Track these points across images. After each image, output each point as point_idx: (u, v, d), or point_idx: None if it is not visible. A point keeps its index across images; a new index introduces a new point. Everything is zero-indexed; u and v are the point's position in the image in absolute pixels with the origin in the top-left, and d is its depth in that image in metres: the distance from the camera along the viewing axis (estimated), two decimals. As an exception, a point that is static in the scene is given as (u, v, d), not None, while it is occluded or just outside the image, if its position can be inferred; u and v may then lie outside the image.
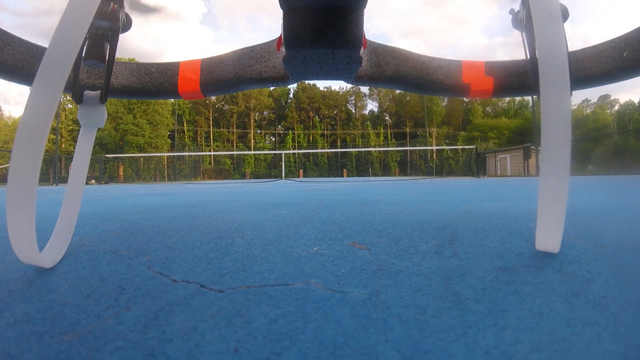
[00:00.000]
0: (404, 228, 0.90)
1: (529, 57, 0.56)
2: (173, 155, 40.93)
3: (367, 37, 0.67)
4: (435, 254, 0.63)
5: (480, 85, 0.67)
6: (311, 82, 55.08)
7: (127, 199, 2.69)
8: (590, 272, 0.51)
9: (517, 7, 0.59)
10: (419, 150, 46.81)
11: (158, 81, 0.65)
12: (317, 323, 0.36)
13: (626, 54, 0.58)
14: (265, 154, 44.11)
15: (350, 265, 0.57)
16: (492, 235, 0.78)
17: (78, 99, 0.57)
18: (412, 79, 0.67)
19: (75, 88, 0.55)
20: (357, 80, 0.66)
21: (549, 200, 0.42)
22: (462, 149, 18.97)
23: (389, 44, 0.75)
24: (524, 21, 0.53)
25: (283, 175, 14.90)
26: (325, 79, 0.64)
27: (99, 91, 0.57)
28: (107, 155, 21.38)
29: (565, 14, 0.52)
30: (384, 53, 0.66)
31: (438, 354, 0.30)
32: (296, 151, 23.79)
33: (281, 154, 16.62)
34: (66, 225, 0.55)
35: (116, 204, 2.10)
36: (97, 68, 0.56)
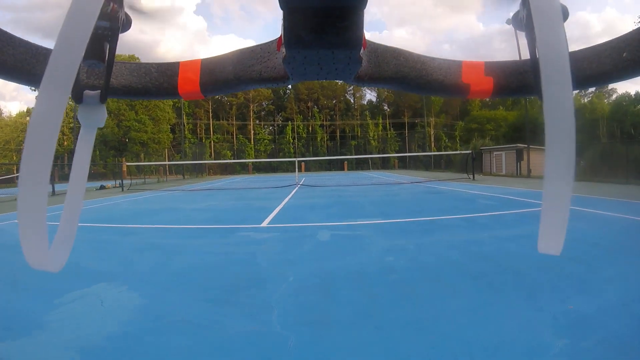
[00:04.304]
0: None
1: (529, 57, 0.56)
2: (175, 151, 41.12)
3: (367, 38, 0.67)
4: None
5: (480, 86, 0.66)
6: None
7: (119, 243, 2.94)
8: None
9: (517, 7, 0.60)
10: (417, 139, 47.88)
11: (158, 81, 0.65)
12: None
13: (625, 55, 0.57)
14: (266, 146, 44.14)
15: None
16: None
17: (78, 98, 0.56)
18: (412, 79, 0.67)
19: (74, 88, 0.58)
20: (357, 80, 0.66)
21: (552, 203, 0.41)
22: (459, 152, 20.50)
23: (388, 42, 0.72)
24: (524, 21, 0.51)
25: (296, 177, 15.16)
26: (326, 79, 0.65)
27: (99, 91, 0.57)
28: (128, 164, 22.56)
29: (565, 14, 0.51)
30: (384, 53, 0.67)
31: None
32: (310, 159, 23.51)
33: (294, 161, 16.48)
34: (69, 228, 0.55)
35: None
36: (96, 68, 0.56)
